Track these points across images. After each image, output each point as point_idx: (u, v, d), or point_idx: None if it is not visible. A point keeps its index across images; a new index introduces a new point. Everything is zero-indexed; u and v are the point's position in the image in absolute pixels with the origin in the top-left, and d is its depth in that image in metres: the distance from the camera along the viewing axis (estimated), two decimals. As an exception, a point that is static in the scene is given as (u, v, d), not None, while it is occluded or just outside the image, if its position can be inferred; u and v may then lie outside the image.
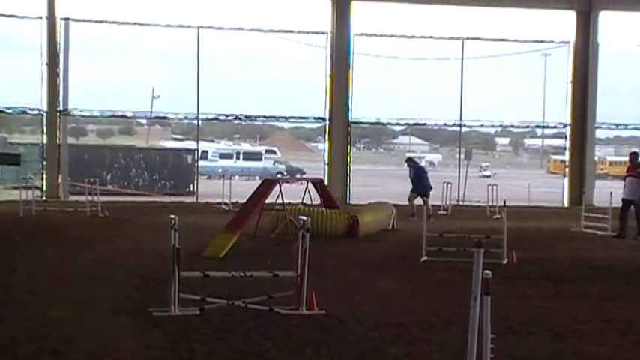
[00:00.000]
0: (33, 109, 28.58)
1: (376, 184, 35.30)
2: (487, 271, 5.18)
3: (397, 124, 37.84)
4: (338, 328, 8.21)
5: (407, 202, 22.05)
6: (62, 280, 10.89)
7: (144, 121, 60.42)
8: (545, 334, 8.16)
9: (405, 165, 22.99)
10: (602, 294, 10.62)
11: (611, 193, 19.35)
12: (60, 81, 27.94)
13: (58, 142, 28.00)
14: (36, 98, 27.87)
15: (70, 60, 28.59)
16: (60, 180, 28.02)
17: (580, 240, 17.78)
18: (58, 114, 27.89)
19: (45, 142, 28.15)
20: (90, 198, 22.37)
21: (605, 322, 8.76)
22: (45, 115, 27.89)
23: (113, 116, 31.98)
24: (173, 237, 8.72)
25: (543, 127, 35.18)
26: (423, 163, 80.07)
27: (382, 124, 34.18)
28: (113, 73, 36.73)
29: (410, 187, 22.31)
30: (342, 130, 28.99)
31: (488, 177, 47.85)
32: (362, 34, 29.23)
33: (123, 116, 32.71)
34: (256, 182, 24.85)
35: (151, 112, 35.80)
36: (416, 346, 7.52)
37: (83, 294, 9.90)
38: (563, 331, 8.30)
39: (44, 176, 28.09)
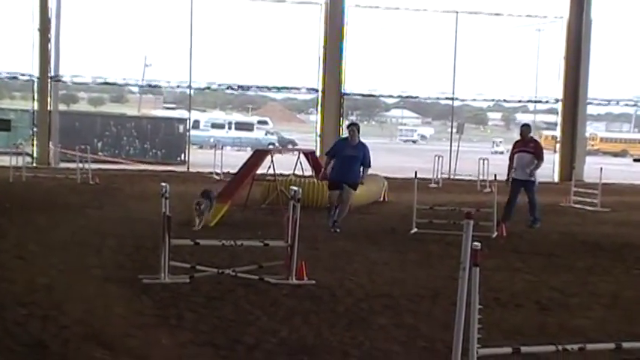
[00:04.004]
0: (24, 75, 28.43)
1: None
2: (476, 243, 5.20)
3: (390, 97, 37.75)
4: (327, 298, 8.24)
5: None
6: (51, 247, 10.87)
7: (135, 89, 60.21)
8: (533, 306, 8.21)
9: (347, 131, 14.20)
10: (589, 268, 10.68)
11: (601, 169, 19.47)
12: (51, 47, 27.75)
13: (48, 108, 27.88)
14: (27, 64, 27.71)
15: (62, 26, 28.38)
16: (50, 146, 27.94)
17: (569, 215, 17.88)
18: (49, 80, 27.75)
19: (36, 108, 28.02)
20: (80, 165, 22.33)
21: (592, 296, 8.83)
22: (36, 80, 27.75)
23: (105, 83, 31.82)
24: (164, 205, 8.71)
25: (535, 102, 35.20)
26: (414, 137, 79.05)
27: (374, 96, 34.15)
28: (105, 40, 36.55)
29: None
30: (334, 101, 28.93)
31: (501, 153, 47.20)
32: (356, 6, 29.09)
33: (114, 84, 32.55)
34: (248, 152, 24.92)
35: (143, 80, 35.65)
36: (404, 317, 7.56)
37: (73, 261, 9.89)
38: (551, 304, 8.36)
39: (34, 142, 28.01)
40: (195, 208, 13.07)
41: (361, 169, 13.60)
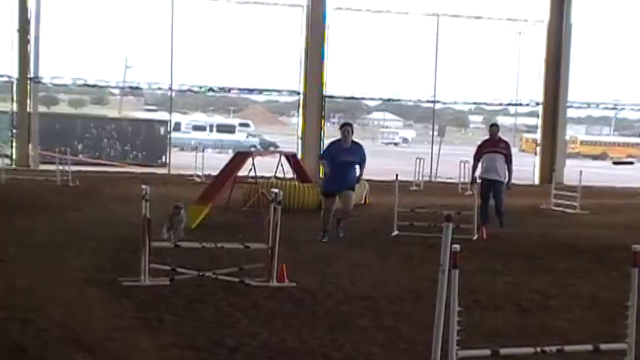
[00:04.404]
0: (2, 76, 28.18)
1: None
2: (455, 245, 5.22)
3: (371, 99, 37.83)
4: (308, 301, 8.24)
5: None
6: (31, 249, 10.80)
7: (116, 91, 59.94)
8: (513, 308, 8.26)
9: (340, 132, 13.04)
10: (569, 271, 10.75)
11: (580, 172, 19.61)
12: (31, 48, 27.55)
13: (28, 110, 27.68)
14: (6, 65, 27.51)
15: (42, 26, 28.19)
16: (30, 148, 27.75)
17: (549, 217, 17.99)
18: (28, 81, 27.55)
19: (15, 109, 27.81)
20: (60, 167, 22.18)
21: (572, 298, 8.89)
22: (15, 82, 27.52)
23: (85, 85, 31.62)
24: (144, 207, 8.68)
25: (516, 105, 35.40)
26: (396, 139, 79.06)
27: (356, 98, 34.19)
28: (85, 41, 36.35)
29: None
30: (316, 104, 28.93)
31: None
32: (337, 8, 29.12)
33: (95, 85, 32.36)
34: (229, 155, 24.86)
35: (124, 81, 35.51)
36: (385, 319, 7.58)
37: (53, 263, 9.83)
38: (531, 306, 8.41)
39: (14, 144, 27.79)
40: (172, 213, 10.29)
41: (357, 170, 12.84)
